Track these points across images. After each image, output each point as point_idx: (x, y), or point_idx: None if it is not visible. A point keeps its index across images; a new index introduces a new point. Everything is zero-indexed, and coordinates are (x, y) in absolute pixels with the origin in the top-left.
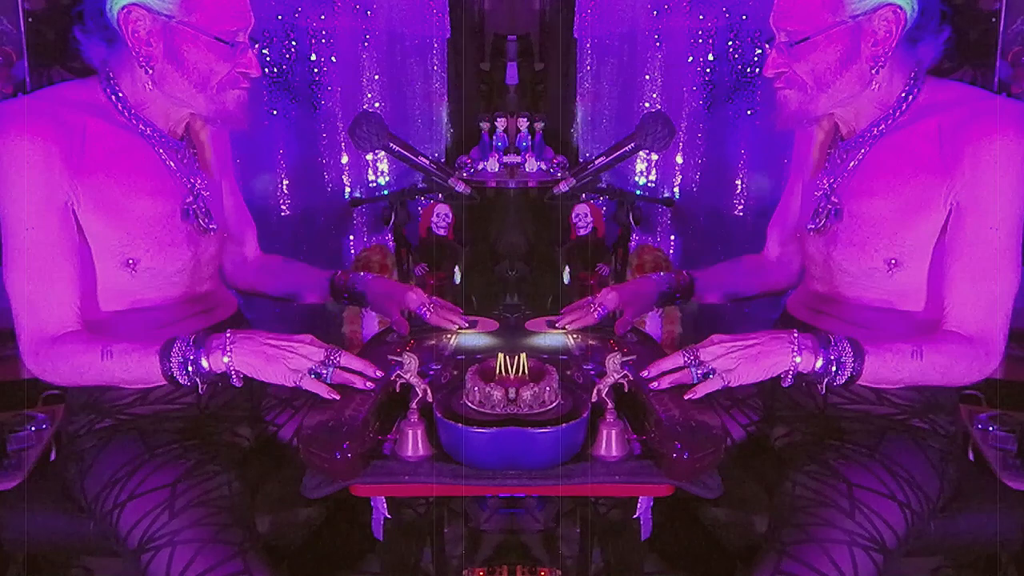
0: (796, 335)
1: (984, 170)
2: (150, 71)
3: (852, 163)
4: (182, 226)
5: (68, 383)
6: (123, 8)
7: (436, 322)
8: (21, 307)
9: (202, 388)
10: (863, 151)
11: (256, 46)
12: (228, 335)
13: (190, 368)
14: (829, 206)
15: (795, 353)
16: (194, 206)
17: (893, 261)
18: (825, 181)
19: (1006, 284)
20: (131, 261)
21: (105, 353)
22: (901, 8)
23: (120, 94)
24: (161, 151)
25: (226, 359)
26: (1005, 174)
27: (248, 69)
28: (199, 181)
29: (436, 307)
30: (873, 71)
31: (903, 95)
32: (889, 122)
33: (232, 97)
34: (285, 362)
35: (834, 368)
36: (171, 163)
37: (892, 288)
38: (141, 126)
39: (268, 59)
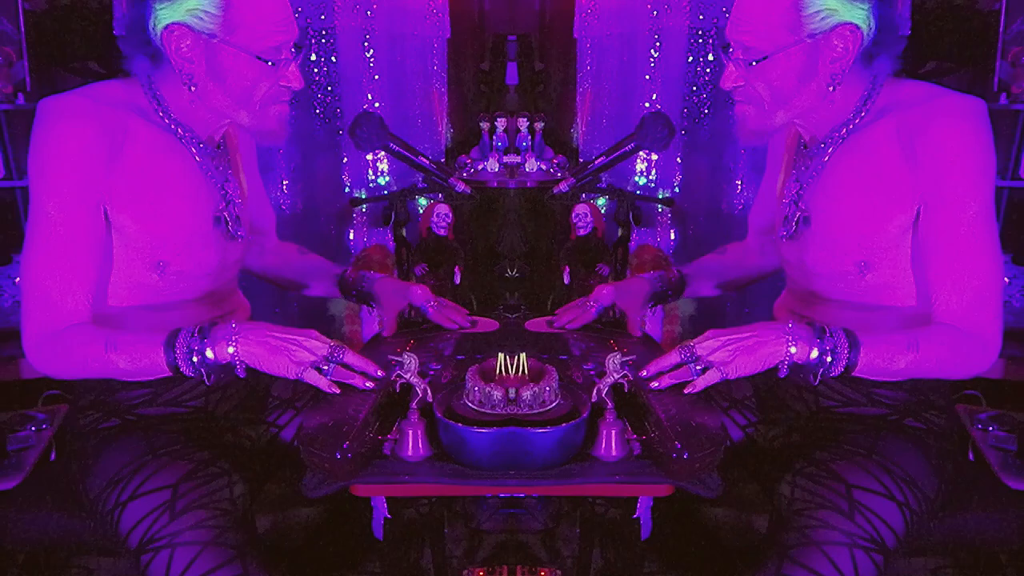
0: (791, 325)
1: (947, 166)
2: (193, 88)
3: (816, 169)
4: (212, 232)
5: (71, 375)
6: (166, 27)
7: (439, 319)
8: (33, 298)
9: (208, 379)
10: (826, 157)
11: (300, 56)
12: (233, 326)
13: (195, 359)
14: (798, 213)
15: (790, 343)
16: (225, 213)
17: (864, 263)
18: (793, 188)
19: (989, 275)
20: (161, 263)
21: (109, 344)
22: (858, 27)
23: (161, 99)
24: (198, 157)
25: (231, 349)
26: (967, 167)
27: (291, 83)
28: (231, 188)
29: (441, 305)
30: (830, 88)
31: (862, 99)
32: (850, 127)
33: (274, 112)
34: (289, 354)
35: (829, 358)
36: (207, 169)
37: (866, 287)
38: (180, 131)
39: None
